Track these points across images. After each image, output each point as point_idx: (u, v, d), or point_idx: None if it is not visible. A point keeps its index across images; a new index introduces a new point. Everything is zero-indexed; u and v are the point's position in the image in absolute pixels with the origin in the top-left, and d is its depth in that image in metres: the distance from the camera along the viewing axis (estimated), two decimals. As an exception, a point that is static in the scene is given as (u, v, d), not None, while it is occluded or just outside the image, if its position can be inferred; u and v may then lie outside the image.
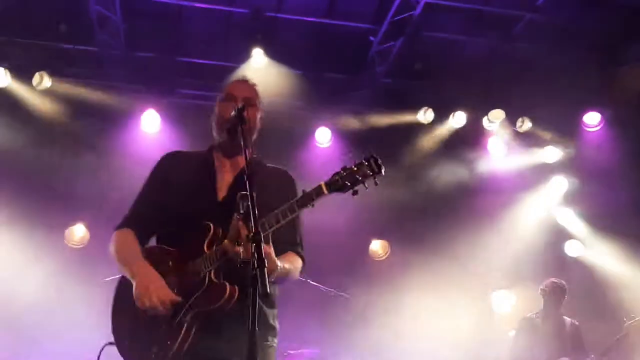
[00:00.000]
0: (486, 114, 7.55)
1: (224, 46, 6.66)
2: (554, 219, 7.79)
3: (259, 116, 2.79)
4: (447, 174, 7.42)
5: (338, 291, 5.53)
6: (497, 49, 6.99)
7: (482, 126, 7.72)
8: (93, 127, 6.45)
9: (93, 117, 6.57)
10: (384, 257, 7.28)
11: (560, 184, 7.76)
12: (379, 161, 2.33)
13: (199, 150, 2.88)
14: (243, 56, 6.59)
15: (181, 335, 2.35)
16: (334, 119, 7.46)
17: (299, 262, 2.67)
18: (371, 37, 6.99)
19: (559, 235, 7.76)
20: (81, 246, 6.72)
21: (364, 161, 2.35)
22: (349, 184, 2.33)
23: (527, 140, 7.78)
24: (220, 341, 2.43)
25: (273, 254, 2.33)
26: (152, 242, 2.78)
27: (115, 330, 2.57)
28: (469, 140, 7.72)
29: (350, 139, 7.30)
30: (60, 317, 5.90)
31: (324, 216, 6.14)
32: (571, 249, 7.68)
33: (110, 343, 2.55)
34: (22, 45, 6.50)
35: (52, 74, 6.51)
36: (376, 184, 2.33)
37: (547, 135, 7.75)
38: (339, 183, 2.33)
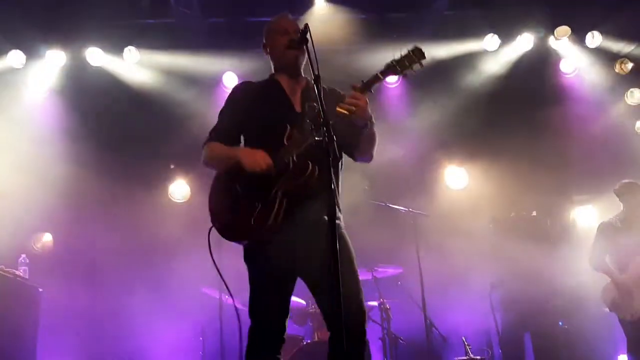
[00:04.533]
0: (552, 33, 7.57)
1: (287, 1, 7.04)
2: (635, 129, 7.72)
3: None
4: (521, 92, 7.48)
5: (418, 213, 5.90)
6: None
7: (550, 46, 7.74)
8: (181, 91, 7.12)
9: (179, 82, 7.26)
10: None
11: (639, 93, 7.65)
12: (421, 49, 2.91)
13: (260, 80, 3.39)
14: (305, 7, 7.00)
15: (275, 209, 2.91)
16: (400, 58, 7.68)
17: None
18: (428, -30, 7.14)
19: (640, 146, 7.69)
20: (184, 201, 7.49)
21: (408, 51, 2.92)
22: (399, 68, 2.89)
23: (600, 54, 7.72)
24: (308, 208, 2.95)
25: (367, 106, 2.93)
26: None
27: (215, 211, 3.10)
28: (538, 61, 7.75)
29: (418, 74, 7.50)
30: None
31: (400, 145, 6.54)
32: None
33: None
34: (110, 26, 7.22)
35: (139, 47, 7.25)
36: (421, 65, 2.90)
37: (619, 46, 7.64)
38: (392, 68, 2.90)
